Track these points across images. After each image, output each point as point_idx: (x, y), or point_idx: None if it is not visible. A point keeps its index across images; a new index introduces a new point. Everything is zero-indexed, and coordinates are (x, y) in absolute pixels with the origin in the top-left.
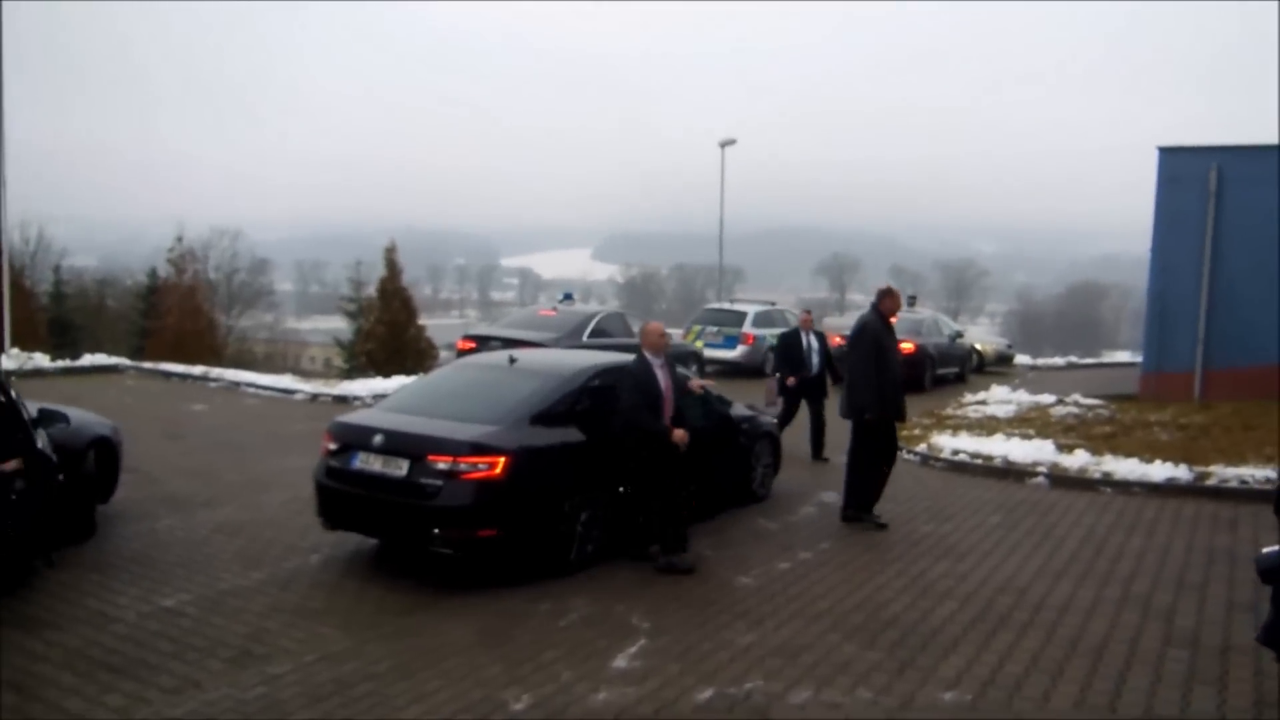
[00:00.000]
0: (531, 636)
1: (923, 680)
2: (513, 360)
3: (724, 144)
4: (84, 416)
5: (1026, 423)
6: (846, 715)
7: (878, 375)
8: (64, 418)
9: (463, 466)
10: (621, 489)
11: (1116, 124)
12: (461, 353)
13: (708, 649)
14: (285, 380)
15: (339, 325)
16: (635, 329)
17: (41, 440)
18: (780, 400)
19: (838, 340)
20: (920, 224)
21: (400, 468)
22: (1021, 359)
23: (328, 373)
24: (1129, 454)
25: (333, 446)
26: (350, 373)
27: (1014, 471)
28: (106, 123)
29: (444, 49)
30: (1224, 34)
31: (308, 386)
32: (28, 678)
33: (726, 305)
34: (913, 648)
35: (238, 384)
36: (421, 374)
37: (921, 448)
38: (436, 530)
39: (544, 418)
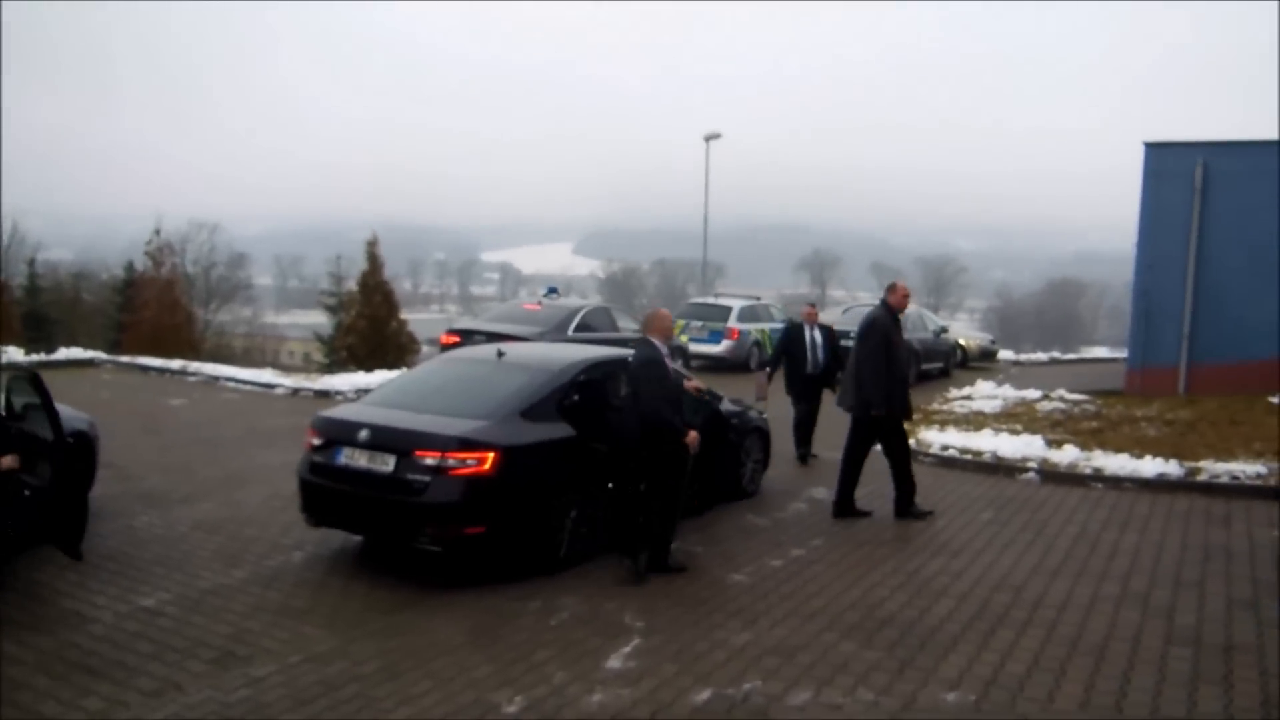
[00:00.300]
0: (522, 636)
1: (924, 680)
2: (501, 354)
3: (709, 138)
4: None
5: (1013, 418)
6: (848, 717)
7: (888, 371)
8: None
9: (451, 462)
10: (611, 485)
11: (1094, 122)
12: (445, 347)
13: (703, 649)
14: (266, 375)
15: (318, 320)
16: (620, 323)
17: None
18: (768, 396)
19: None
20: (900, 221)
21: (386, 463)
22: (1005, 354)
23: (307, 367)
24: (1118, 449)
25: (317, 442)
26: (331, 367)
27: (1004, 467)
28: (81, 115)
29: (424, 45)
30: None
31: (289, 381)
32: (1, 681)
33: (711, 300)
34: (911, 647)
35: (217, 378)
36: (405, 369)
37: (910, 443)
38: (424, 527)
39: (533, 413)
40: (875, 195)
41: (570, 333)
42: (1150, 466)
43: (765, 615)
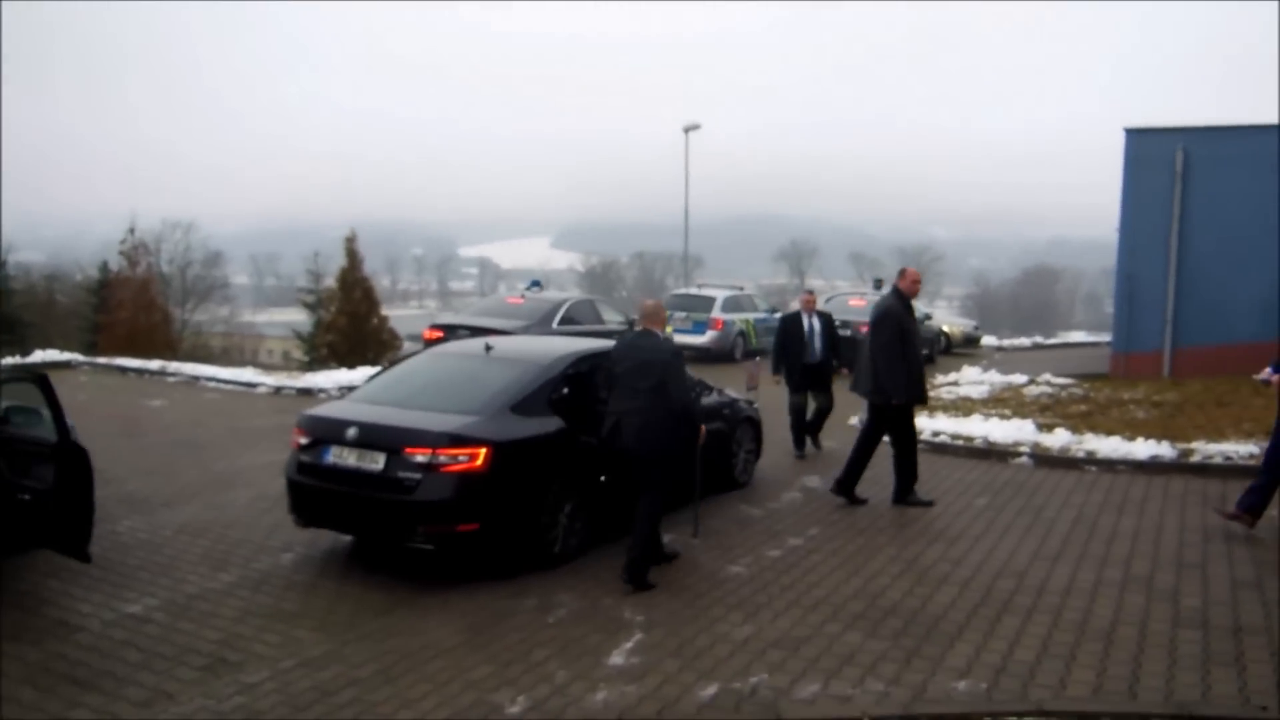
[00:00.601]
0: (519, 634)
1: (932, 669)
2: (489, 348)
3: (688, 129)
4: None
5: (1001, 403)
6: (860, 708)
7: (903, 359)
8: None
9: (442, 459)
10: (604, 479)
11: (1066, 111)
12: (429, 342)
13: (705, 643)
14: (247, 373)
15: (297, 318)
16: (605, 316)
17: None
18: (759, 386)
19: None
20: (876, 211)
21: (376, 461)
22: (988, 340)
23: (288, 365)
24: (1109, 432)
25: (304, 441)
26: (311, 365)
27: (996, 452)
28: (48, 114)
29: (400, 40)
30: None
31: (271, 379)
32: None
33: (694, 291)
34: (917, 636)
35: (197, 378)
36: (385, 364)
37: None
38: (416, 525)
39: (524, 407)
40: (851, 185)
41: (555, 326)
42: (1143, 449)
43: (766, 607)
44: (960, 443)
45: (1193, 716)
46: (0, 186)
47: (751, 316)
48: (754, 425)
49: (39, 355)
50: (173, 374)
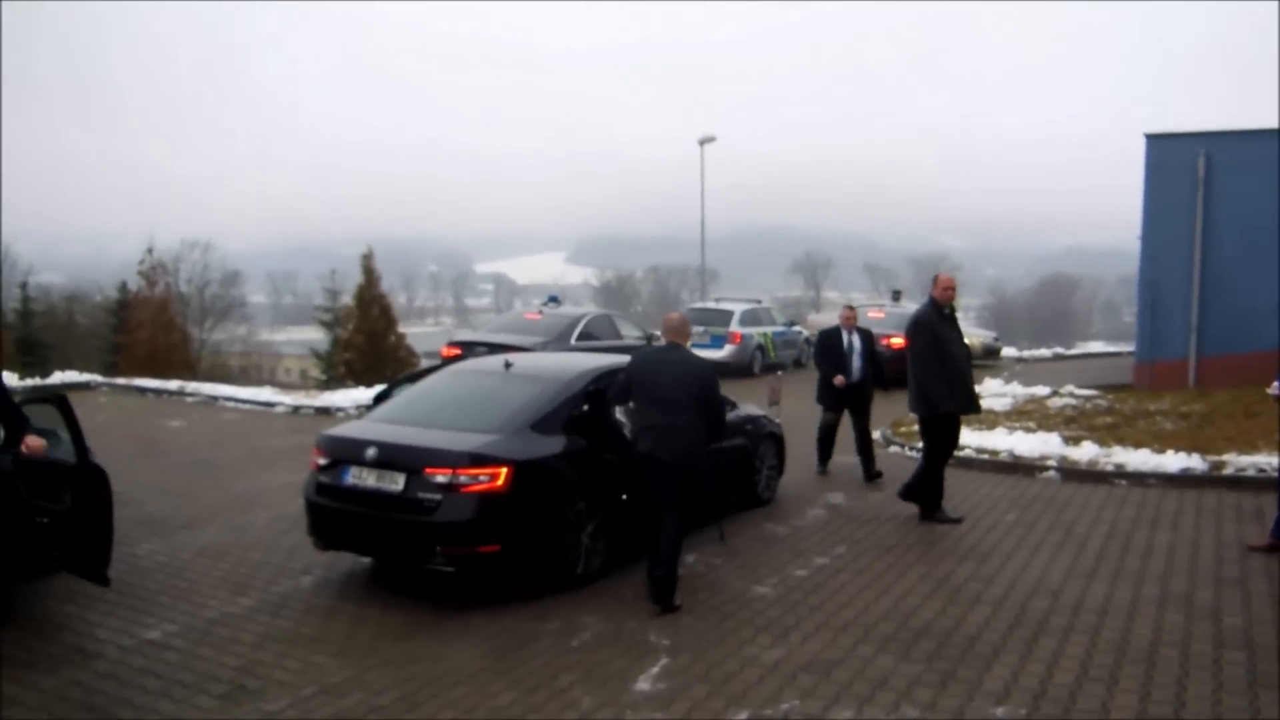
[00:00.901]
0: (543, 659)
1: (969, 694)
2: (509, 365)
3: (703, 141)
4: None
5: (1025, 415)
6: None
7: (942, 368)
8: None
9: (463, 479)
10: (625, 497)
11: (1080, 119)
12: (447, 359)
13: (733, 667)
14: (265, 393)
15: (314, 336)
16: (623, 331)
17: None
18: (781, 402)
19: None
20: (890, 222)
21: (396, 482)
22: (1008, 351)
23: (305, 384)
24: (1137, 444)
25: (323, 461)
26: (329, 383)
27: (1022, 466)
28: (66, 136)
29: (411, 57)
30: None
31: (289, 399)
32: None
33: (712, 304)
34: (951, 658)
35: (216, 398)
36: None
37: (922, 444)
38: (436, 547)
39: (546, 425)
40: (864, 196)
41: (573, 341)
42: (1173, 461)
43: (795, 629)
44: (985, 457)
45: None
46: (0, 205)
47: (770, 330)
48: (776, 441)
49: (58, 376)
50: (191, 394)
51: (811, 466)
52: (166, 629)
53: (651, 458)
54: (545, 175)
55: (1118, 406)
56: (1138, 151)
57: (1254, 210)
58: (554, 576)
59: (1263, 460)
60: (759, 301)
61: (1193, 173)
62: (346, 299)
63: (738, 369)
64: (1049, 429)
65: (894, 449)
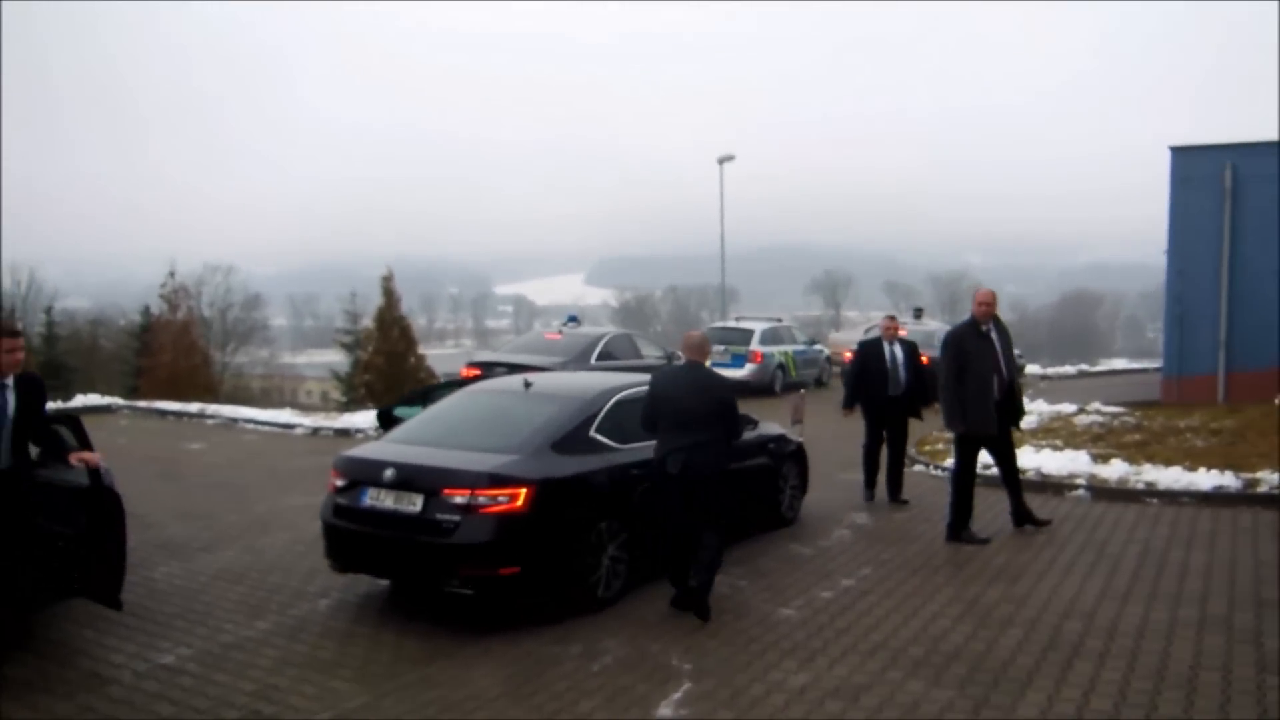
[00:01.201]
0: (564, 684)
1: None
2: (528, 385)
3: (722, 160)
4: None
5: (1052, 433)
6: None
7: (960, 386)
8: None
9: (482, 500)
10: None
11: (1100, 135)
12: (466, 380)
13: (759, 692)
14: (285, 415)
15: (335, 358)
16: (644, 350)
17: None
18: (804, 420)
19: (848, 356)
20: (910, 240)
21: (414, 503)
22: (1032, 368)
23: (326, 406)
24: (1168, 462)
25: (340, 483)
26: (349, 405)
27: (1051, 484)
28: (92, 162)
29: (430, 79)
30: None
31: (308, 420)
32: None
33: (733, 323)
34: (984, 684)
35: (235, 420)
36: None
37: (948, 463)
38: (455, 569)
39: (566, 444)
40: (884, 214)
41: (593, 361)
42: (1206, 479)
43: (822, 653)
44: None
45: None
46: (0, 227)
47: (790, 349)
48: (799, 460)
49: (80, 399)
50: (211, 416)
51: (836, 485)
52: (182, 653)
53: (679, 478)
54: (564, 196)
55: (1146, 423)
56: (1163, 165)
57: None
58: (575, 599)
59: None
60: (779, 320)
61: (1219, 185)
62: (367, 321)
63: (759, 388)
64: (1076, 447)
65: (918, 467)
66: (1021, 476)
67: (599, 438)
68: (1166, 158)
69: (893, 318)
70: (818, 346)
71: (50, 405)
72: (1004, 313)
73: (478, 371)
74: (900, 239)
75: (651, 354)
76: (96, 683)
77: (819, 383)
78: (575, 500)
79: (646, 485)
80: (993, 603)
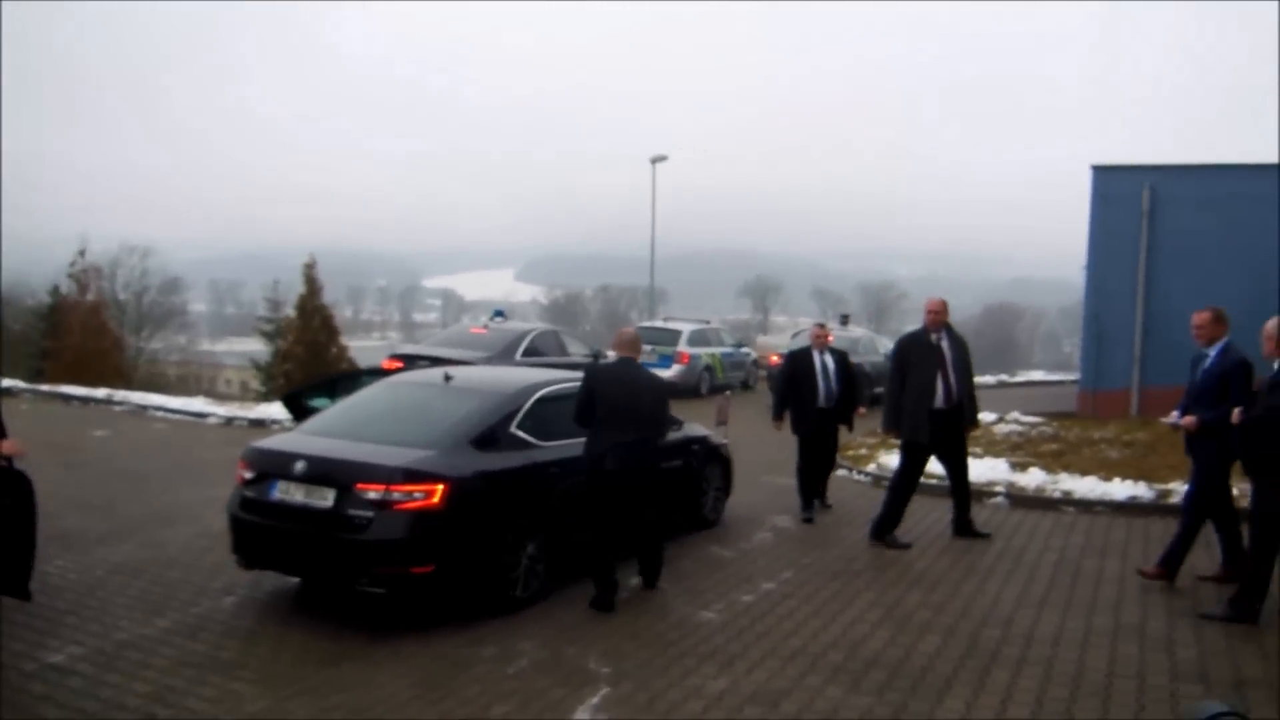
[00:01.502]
0: (478, 687)
1: None
2: (448, 378)
3: (655, 160)
4: None
5: (972, 440)
6: None
7: (901, 392)
8: None
9: (396, 496)
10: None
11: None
12: (388, 372)
13: (677, 697)
14: (197, 403)
15: (256, 347)
16: (570, 348)
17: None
18: (730, 423)
19: (774, 359)
20: (839, 249)
21: (325, 498)
22: None
23: (244, 396)
24: (1084, 472)
25: (249, 475)
26: (268, 395)
27: (970, 491)
28: (10, 139)
29: (363, 73)
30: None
31: (222, 410)
32: None
33: (660, 324)
34: (903, 690)
35: (145, 407)
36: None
37: (871, 467)
38: (367, 567)
39: (485, 440)
40: (814, 222)
41: (518, 357)
42: (1120, 489)
43: (741, 658)
44: (933, 481)
45: None
46: None
47: (718, 351)
48: (723, 462)
49: None
50: (119, 403)
51: (760, 488)
52: (72, 652)
53: (617, 474)
54: (497, 192)
55: (1063, 434)
56: (1085, 184)
57: (1198, 243)
58: (491, 599)
59: None
60: (708, 322)
61: (1138, 205)
62: (289, 310)
63: (685, 389)
64: (996, 455)
65: (841, 471)
66: (942, 483)
67: (520, 434)
68: (1089, 176)
69: (822, 325)
70: (745, 350)
71: None
72: None
73: (399, 364)
74: (830, 246)
75: (578, 351)
76: None
77: (745, 386)
78: (493, 498)
79: (569, 483)
80: (911, 608)
